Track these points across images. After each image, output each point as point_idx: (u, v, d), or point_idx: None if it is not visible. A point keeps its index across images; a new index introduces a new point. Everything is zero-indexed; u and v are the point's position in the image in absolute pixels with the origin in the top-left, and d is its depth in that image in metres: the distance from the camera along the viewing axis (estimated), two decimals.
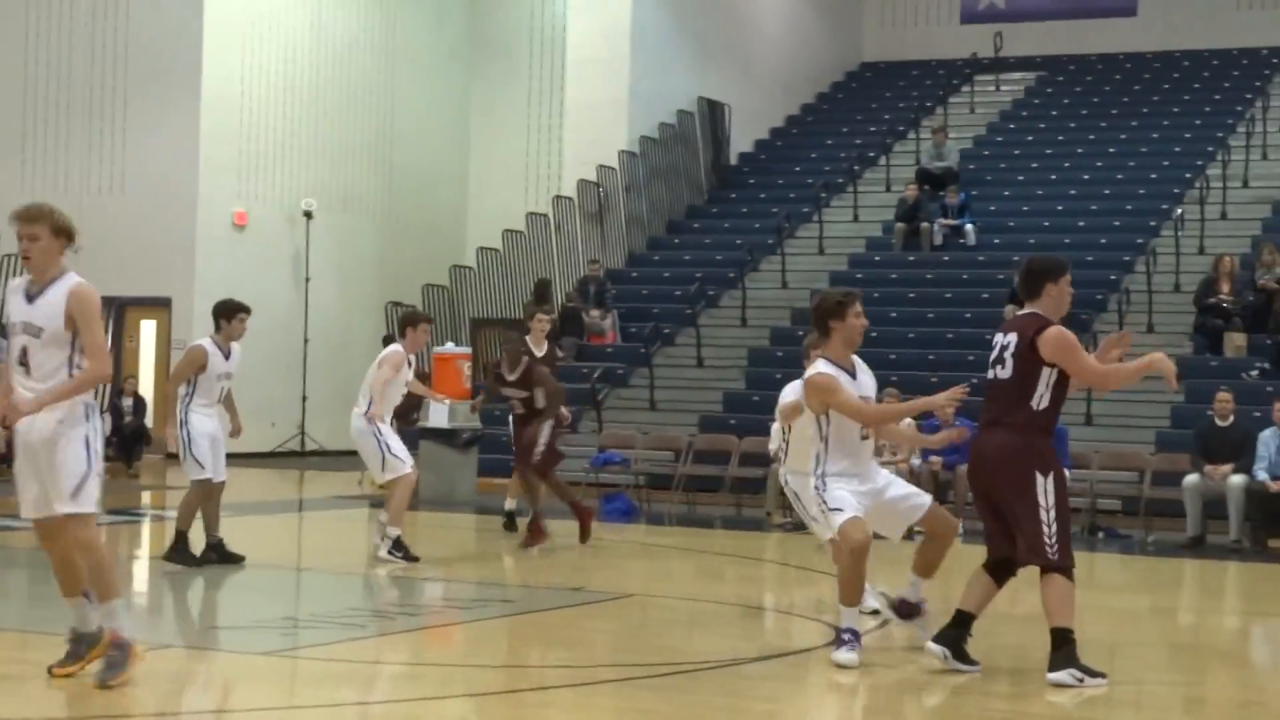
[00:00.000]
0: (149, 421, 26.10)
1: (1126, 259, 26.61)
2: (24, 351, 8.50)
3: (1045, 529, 9.24)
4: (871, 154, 32.29)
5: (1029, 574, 9.48)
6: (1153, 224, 27.50)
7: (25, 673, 8.84)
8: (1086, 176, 30.04)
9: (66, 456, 8.44)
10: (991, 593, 9.64)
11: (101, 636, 8.60)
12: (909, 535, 10.94)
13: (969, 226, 28.05)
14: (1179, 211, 27.15)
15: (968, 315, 25.30)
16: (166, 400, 14.85)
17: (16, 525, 12.66)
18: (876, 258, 28.33)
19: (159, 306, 28.77)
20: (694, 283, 27.77)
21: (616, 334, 27.35)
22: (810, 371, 10.01)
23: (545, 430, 16.09)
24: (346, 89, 31.08)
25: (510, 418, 17.47)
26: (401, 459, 14.66)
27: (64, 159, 29.53)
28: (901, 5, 37.05)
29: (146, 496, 23.03)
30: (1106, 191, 29.23)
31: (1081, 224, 28.32)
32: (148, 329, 29.19)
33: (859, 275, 26.70)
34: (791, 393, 11.53)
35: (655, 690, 9.16)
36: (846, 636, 9.73)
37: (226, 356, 13.84)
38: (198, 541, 13.84)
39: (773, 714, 8.87)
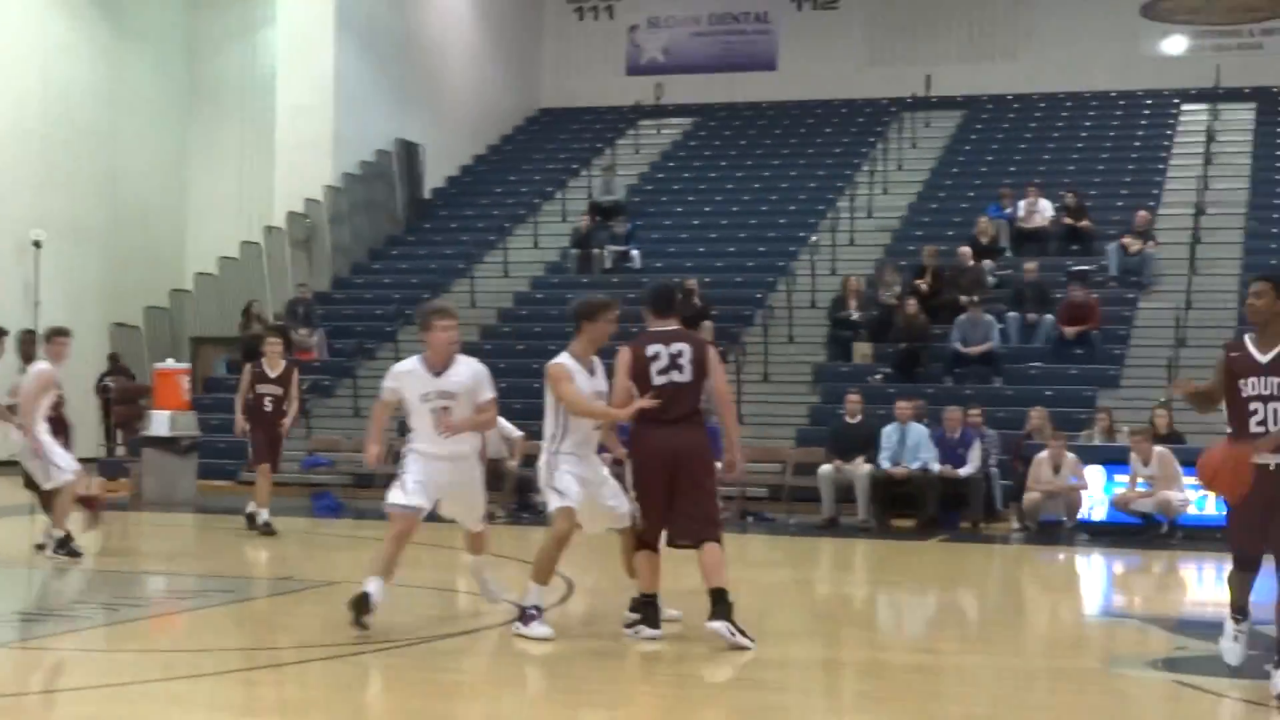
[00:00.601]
0: None
1: (770, 279, 27.20)
2: None
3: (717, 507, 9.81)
4: (549, 189, 32.47)
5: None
6: (792, 249, 28.14)
7: None
8: (735, 208, 30.59)
9: None
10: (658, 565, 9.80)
11: None
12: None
13: (635, 252, 28.34)
14: (814, 238, 27.83)
15: (634, 330, 25.44)
16: None
17: None
18: (554, 280, 28.44)
19: None
20: (393, 303, 27.54)
21: (324, 350, 27.00)
22: (551, 361, 10.09)
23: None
24: (74, 129, 29.89)
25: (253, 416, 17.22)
26: (63, 467, 14.09)
27: None
28: (574, 58, 37.30)
29: None
30: (753, 221, 29.80)
31: (731, 249, 28.84)
32: None
33: (539, 295, 26.79)
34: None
35: (361, 666, 9.06)
36: (532, 612, 9.74)
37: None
38: None
39: (460, 684, 8.88)
